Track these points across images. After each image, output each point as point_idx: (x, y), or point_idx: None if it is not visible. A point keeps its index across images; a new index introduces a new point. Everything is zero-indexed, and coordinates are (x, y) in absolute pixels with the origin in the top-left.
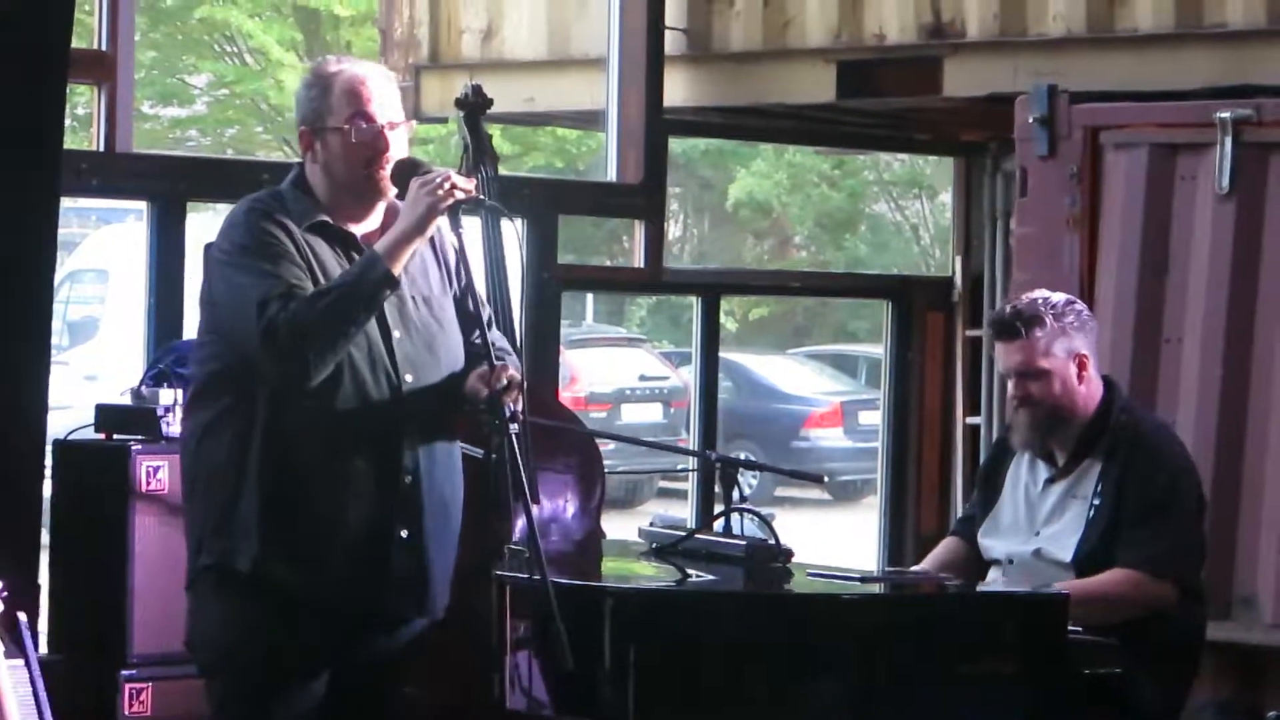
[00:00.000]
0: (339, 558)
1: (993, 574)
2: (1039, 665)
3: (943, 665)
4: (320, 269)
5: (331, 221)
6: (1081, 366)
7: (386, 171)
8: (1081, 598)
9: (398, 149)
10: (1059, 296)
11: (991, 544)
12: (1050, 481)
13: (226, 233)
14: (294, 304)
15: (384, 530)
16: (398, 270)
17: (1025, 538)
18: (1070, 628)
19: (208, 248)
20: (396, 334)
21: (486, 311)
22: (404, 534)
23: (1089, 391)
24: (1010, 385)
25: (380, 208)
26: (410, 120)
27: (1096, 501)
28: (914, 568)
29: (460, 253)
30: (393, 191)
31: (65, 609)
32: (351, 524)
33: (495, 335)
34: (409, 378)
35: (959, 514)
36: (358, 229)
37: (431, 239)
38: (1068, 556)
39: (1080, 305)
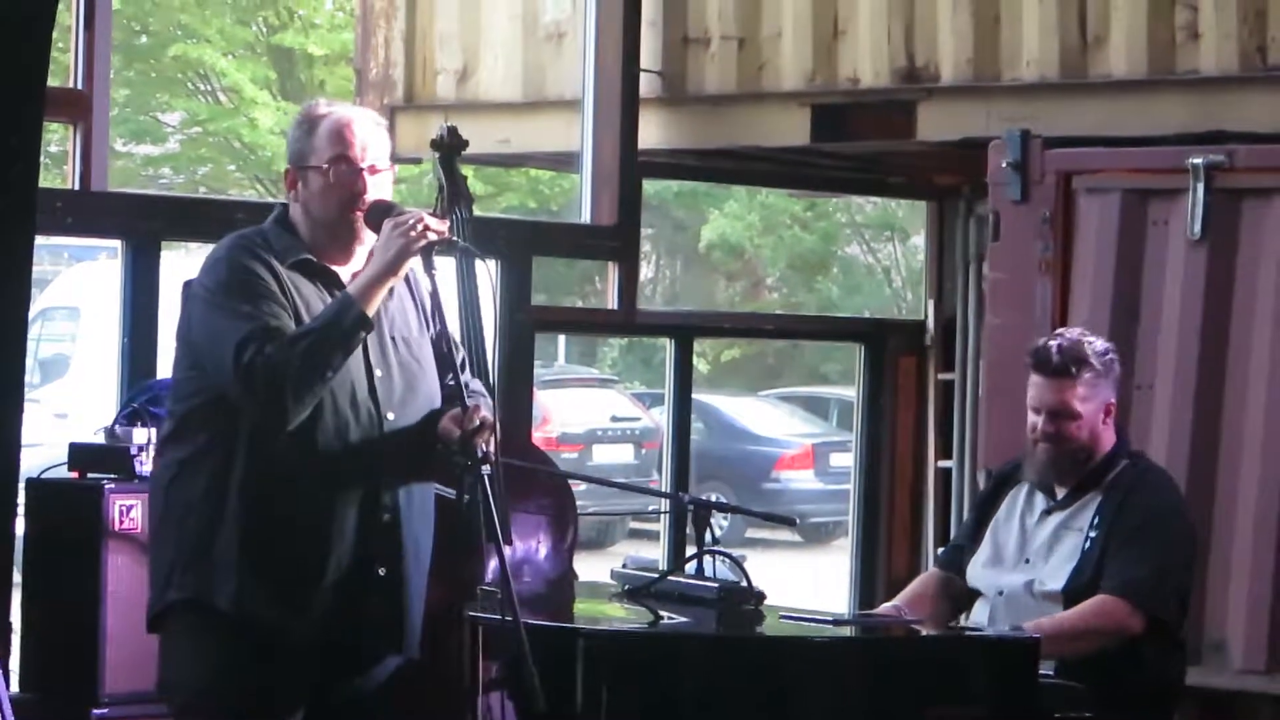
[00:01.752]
0: (321, 596)
1: (979, 607)
2: (1010, 708)
3: (914, 708)
4: (304, 306)
5: (315, 259)
6: (1108, 412)
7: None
8: (1054, 631)
9: (376, 193)
10: (1101, 343)
11: (981, 576)
12: (1047, 513)
13: (209, 270)
14: (270, 347)
15: (364, 569)
16: (371, 311)
17: (1017, 569)
18: (1042, 672)
19: (188, 284)
20: (379, 373)
21: (460, 354)
22: (382, 572)
23: (1108, 435)
24: (1038, 418)
25: (362, 250)
26: (393, 166)
27: (1093, 534)
28: (886, 604)
29: (434, 294)
30: (368, 235)
31: (37, 648)
32: (333, 562)
33: (469, 378)
34: (391, 416)
35: (930, 556)
36: (342, 270)
37: (408, 280)
38: (1059, 585)
39: (1115, 354)
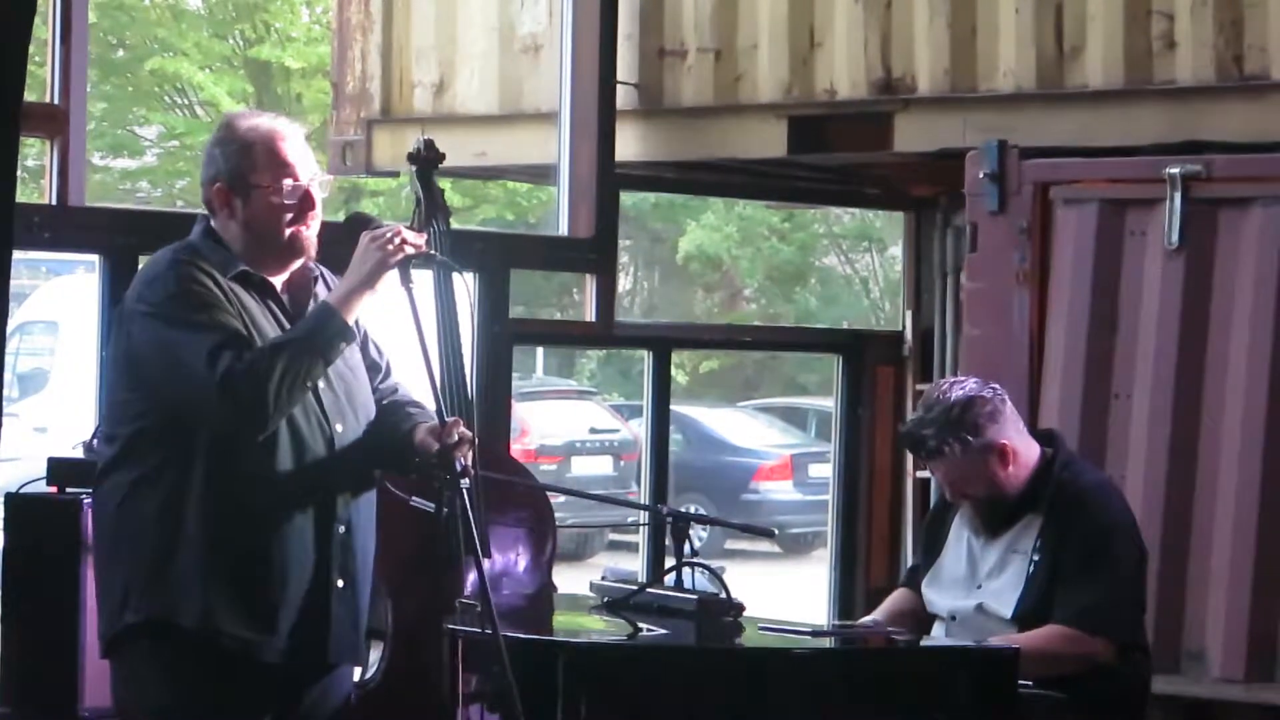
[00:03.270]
0: (287, 610)
1: (936, 629)
2: (989, 718)
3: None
4: (249, 318)
5: (252, 271)
6: (1002, 454)
7: (311, 228)
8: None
9: (319, 208)
10: (956, 396)
11: (935, 598)
12: (992, 536)
13: (151, 285)
14: (249, 354)
15: (324, 580)
16: (350, 322)
17: (967, 592)
18: (1020, 682)
19: (122, 306)
20: (321, 384)
21: (385, 358)
22: (340, 584)
23: (1018, 466)
24: (945, 489)
25: (298, 264)
26: (329, 178)
27: (1036, 558)
28: (865, 618)
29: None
30: (313, 251)
31: (16, 662)
32: (296, 575)
33: (395, 382)
34: (339, 427)
35: (908, 565)
36: (275, 281)
37: (327, 284)
38: (1008, 612)
39: (982, 394)
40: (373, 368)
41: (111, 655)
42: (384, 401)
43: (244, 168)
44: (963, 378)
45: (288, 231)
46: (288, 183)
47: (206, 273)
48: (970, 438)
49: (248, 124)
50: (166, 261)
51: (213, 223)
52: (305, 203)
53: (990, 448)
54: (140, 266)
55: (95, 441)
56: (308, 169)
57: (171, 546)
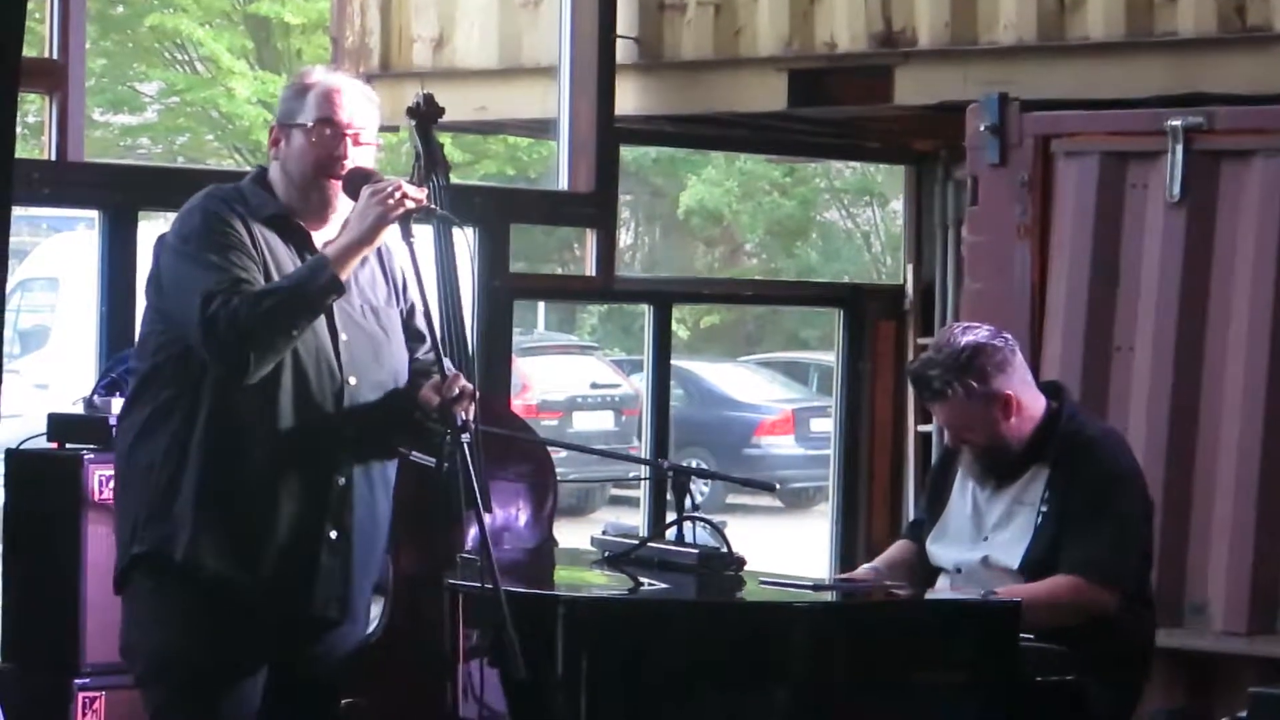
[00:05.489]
0: (268, 553)
1: (941, 582)
2: (991, 673)
3: (896, 673)
4: (274, 263)
5: (289, 216)
6: (1007, 404)
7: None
8: (1025, 601)
9: (357, 163)
10: (967, 341)
11: (939, 551)
12: (997, 488)
13: (182, 220)
14: (236, 300)
15: (314, 529)
16: (344, 276)
17: (973, 545)
18: (1021, 635)
19: (161, 237)
20: (344, 337)
21: (438, 332)
22: (333, 535)
23: (1022, 418)
24: (946, 433)
25: (337, 218)
26: (379, 142)
27: (1044, 509)
28: (863, 566)
29: (413, 262)
30: (343, 203)
31: (18, 618)
32: (283, 520)
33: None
34: (353, 380)
35: (909, 518)
36: (316, 235)
37: (381, 253)
38: (1015, 564)
39: (992, 343)
40: (416, 338)
41: (122, 591)
42: (418, 369)
43: (295, 109)
44: (977, 324)
45: (313, 178)
46: (326, 130)
47: (238, 214)
48: (975, 384)
49: (318, 74)
50: (200, 198)
51: (269, 171)
52: (338, 150)
53: (994, 397)
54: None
55: (96, 397)
56: (356, 122)
57: (175, 481)
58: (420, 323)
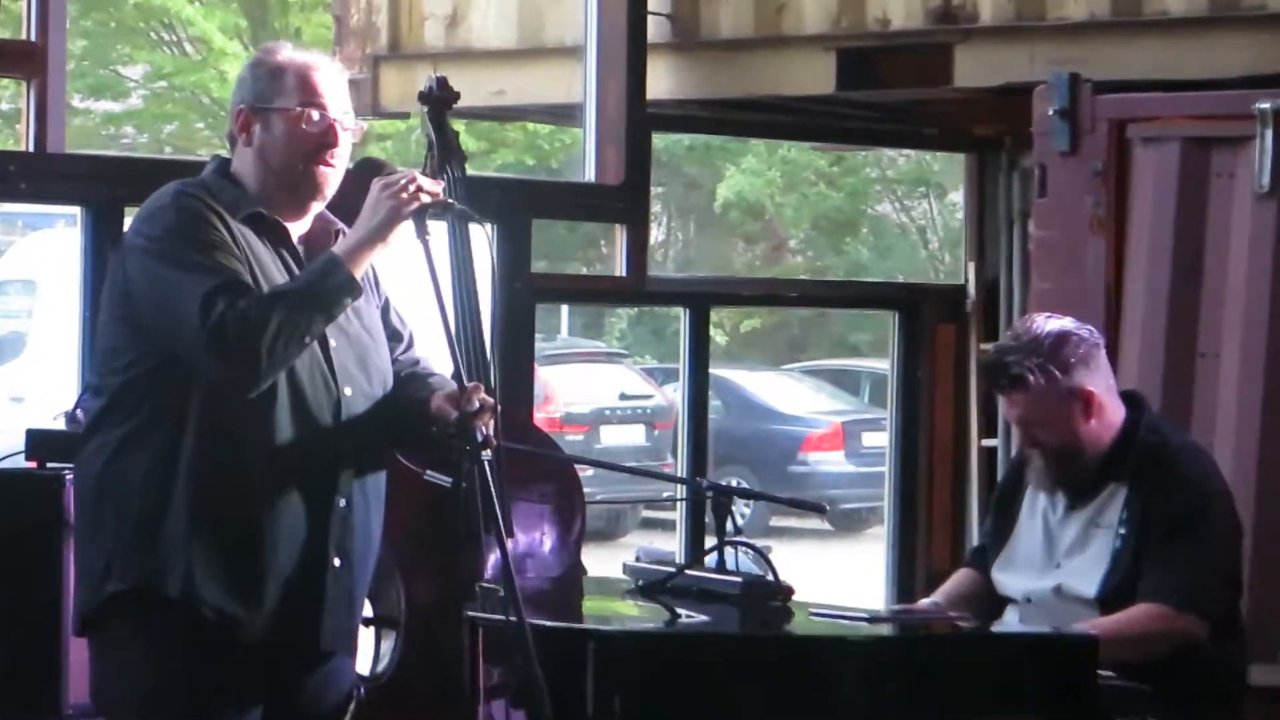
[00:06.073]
0: (272, 584)
1: (1009, 614)
2: (1065, 715)
3: (959, 715)
4: (257, 264)
5: (266, 213)
6: (1088, 403)
7: (331, 169)
8: (1106, 635)
9: (344, 150)
10: (1051, 328)
11: (1007, 580)
12: (1071, 509)
13: (152, 220)
14: (244, 302)
15: (319, 556)
16: (359, 276)
17: (1044, 573)
18: (1100, 672)
19: (123, 241)
20: (334, 343)
21: (408, 329)
22: (337, 562)
23: (1102, 424)
24: (1016, 431)
25: (313, 211)
26: (361, 125)
27: (1122, 531)
28: (924, 600)
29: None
30: (329, 194)
31: None
32: (288, 547)
33: (418, 355)
34: (348, 391)
35: (973, 544)
36: (291, 228)
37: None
38: (1092, 592)
39: (1078, 333)
40: (394, 337)
41: (90, 633)
42: (403, 373)
43: (270, 91)
44: (1058, 314)
45: (300, 166)
46: (313, 113)
47: (214, 210)
48: (1058, 373)
49: (285, 52)
50: (171, 194)
51: (232, 162)
52: (328, 137)
53: (1076, 392)
54: (145, 201)
55: (79, 409)
56: (338, 105)
57: (159, 510)
58: (395, 319)
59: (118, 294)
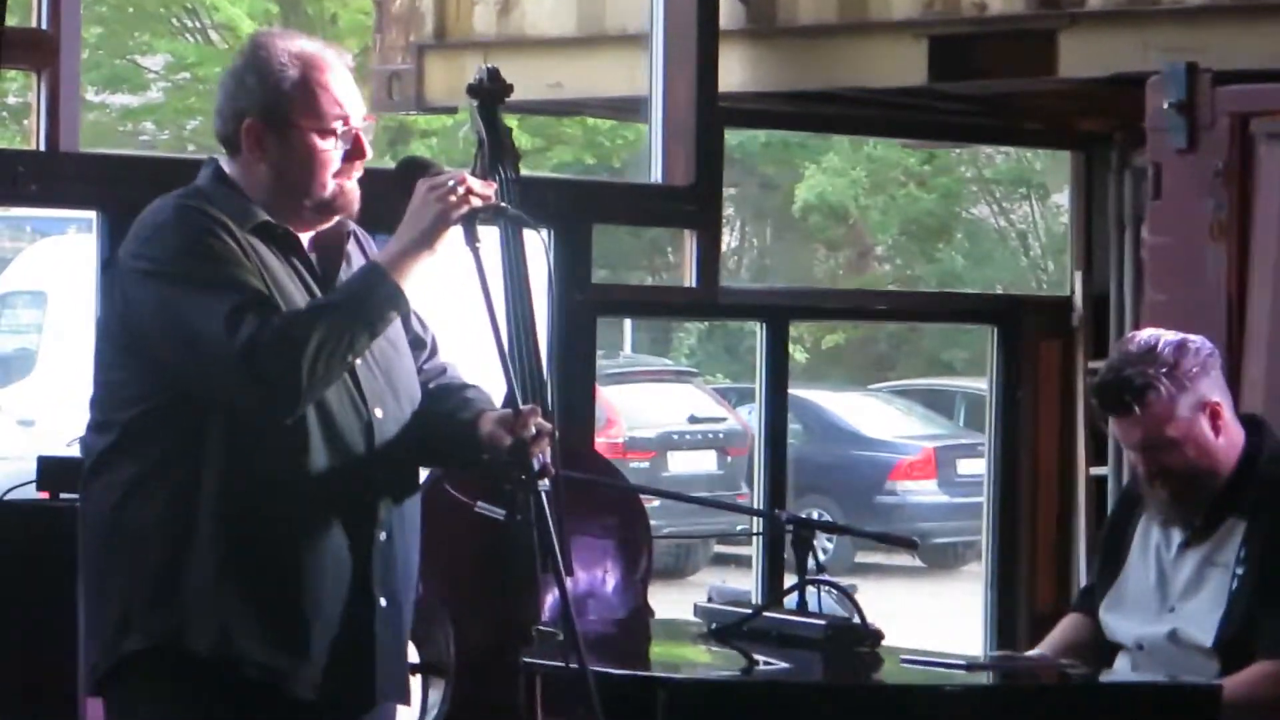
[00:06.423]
0: (322, 632)
1: (1120, 661)
2: None
3: None
4: (271, 279)
5: (274, 222)
6: (1215, 416)
7: (353, 181)
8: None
9: (369, 154)
10: (1168, 340)
11: (1117, 623)
12: (1185, 546)
13: (151, 239)
14: (277, 320)
15: (365, 598)
16: (405, 287)
17: (1158, 616)
18: None
19: (115, 260)
20: (358, 361)
21: (430, 333)
22: (383, 602)
23: (1229, 441)
24: (1134, 456)
25: (331, 218)
26: (372, 116)
27: (1240, 570)
28: (1029, 652)
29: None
30: (355, 206)
31: (3, 698)
32: (332, 590)
33: (444, 361)
34: (379, 413)
35: (1082, 584)
36: (301, 236)
37: (361, 242)
38: (1208, 640)
39: (1196, 342)
40: (416, 343)
41: (106, 693)
42: (431, 384)
43: (284, 100)
44: (1169, 329)
45: (331, 183)
46: (339, 124)
47: (220, 223)
48: (1185, 381)
49: (288, 47)
50: (171, 209)
51: (224, 165)
52: (355, 149)
53: (1203, 404)
54: (138, 218)
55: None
56: (358, 108)
57: (181, 556)
58: (416, 324)
59: (116, 326)
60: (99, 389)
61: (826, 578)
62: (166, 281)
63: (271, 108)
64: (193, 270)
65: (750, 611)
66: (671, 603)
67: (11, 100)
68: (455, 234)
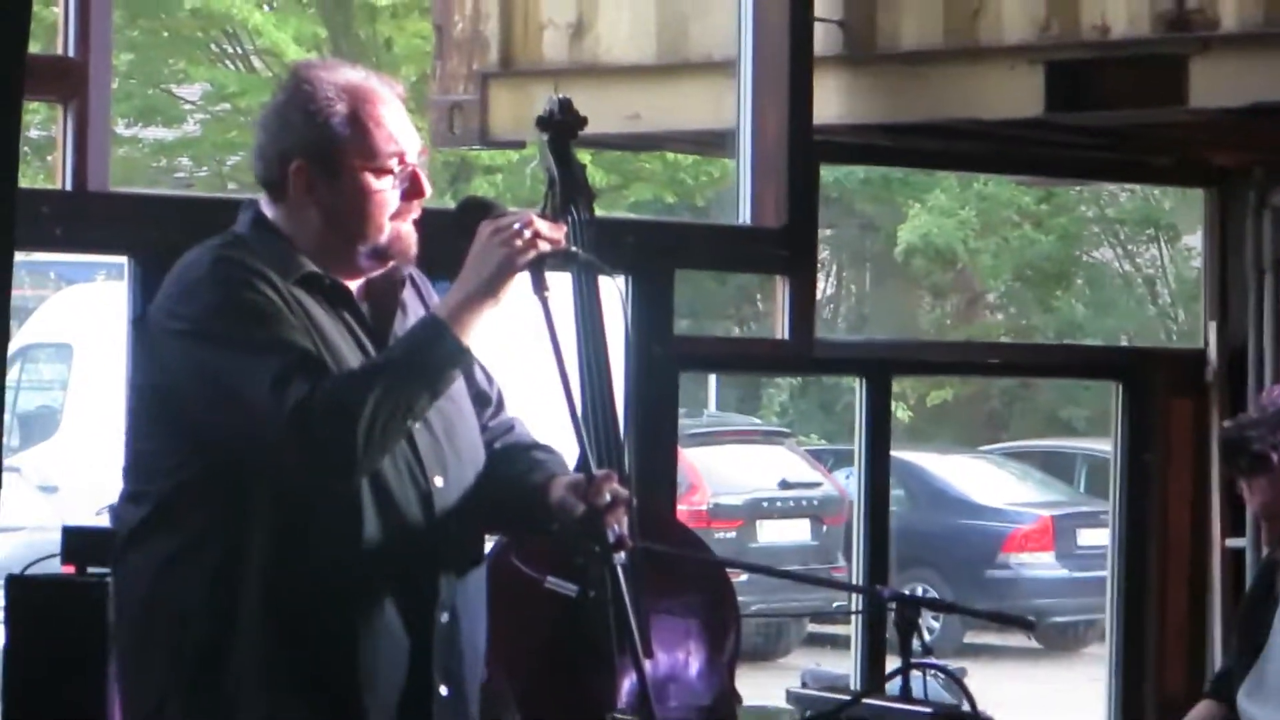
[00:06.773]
0: None
1: None
2: None
3: None
4: (319, 335)
5: (322, 273)
6: None
7: (410, 224)
8: None
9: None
10: None
11: (1257, 711)
12: None
13: (187, 297)
14: (328, 381)
15: (424, 685)
16: (468, 342)
17: None
18: None
19: (142, 321)
20: (415, 424)
21: (496, 387)
22: (444, 690)
23: None
24: (1264, 521)
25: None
26: (425, 148)
27: None
28: None
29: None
30: (414, 251)
31: None
32: (388, 678)
33: (511, 418)
34: (439, 481)
35: (1217, 668)
36: (349, 285)
37: (419, 288)
38: None
39: None
40: (480, 399)
41: None
42: (496, 444)
43: (334, 138)
44: None
45: (388, 226)
46: (394, 162)
47: (262, 275)
48: None
49: (334, 80)
50: (208, 262)
51: (266, 210)
52: (414, 188)
53: None
54: (171, 271)
55: (111, 517)
56: (414, 142)
57: (223, 639)
58: (480, 378)
59: (149, 391)
60: (131, 456)
61: (933, 660)
62: (204, 344)
63: (320, 147)
64: (233, 330)
65: (849, 698)
66: (761, 688)
67: (35, 134)
68: (522, 281)
